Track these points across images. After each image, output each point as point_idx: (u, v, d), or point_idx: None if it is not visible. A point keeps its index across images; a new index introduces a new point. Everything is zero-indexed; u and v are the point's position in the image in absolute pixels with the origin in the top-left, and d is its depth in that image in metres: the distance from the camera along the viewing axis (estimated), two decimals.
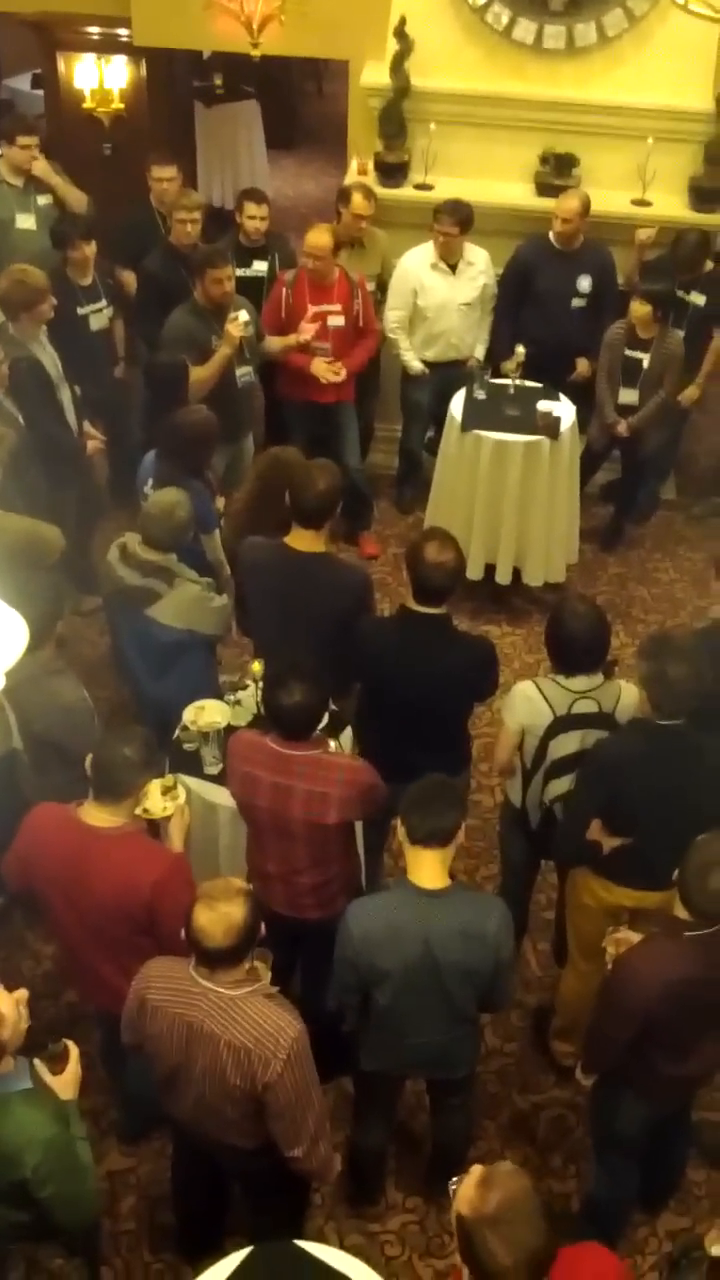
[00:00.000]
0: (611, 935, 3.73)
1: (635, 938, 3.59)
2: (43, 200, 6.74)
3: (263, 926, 3.10)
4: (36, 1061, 2.93)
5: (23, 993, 2.89)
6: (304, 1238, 3.37)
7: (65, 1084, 2.91)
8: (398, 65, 6.74)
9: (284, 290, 6.26)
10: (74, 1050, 2.97)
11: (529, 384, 6.43)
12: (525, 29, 6.75)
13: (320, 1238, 3.58)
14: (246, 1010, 3.03)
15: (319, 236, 6.11)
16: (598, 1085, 3.72)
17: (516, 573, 6.50)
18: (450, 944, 3.33)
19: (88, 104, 8.31)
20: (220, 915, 2.99)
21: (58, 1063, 2.93)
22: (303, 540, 4.37)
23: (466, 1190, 2.38)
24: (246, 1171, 3.44)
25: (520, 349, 6.36)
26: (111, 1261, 3.82)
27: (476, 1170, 2.40)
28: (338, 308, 6.26)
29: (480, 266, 6.66)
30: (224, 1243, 3.60)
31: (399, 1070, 3.76)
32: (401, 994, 3.41)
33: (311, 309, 6.21)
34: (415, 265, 6.60)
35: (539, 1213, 2.34)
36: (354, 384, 6.59)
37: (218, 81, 10.53)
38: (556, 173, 6.93)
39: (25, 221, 6.67)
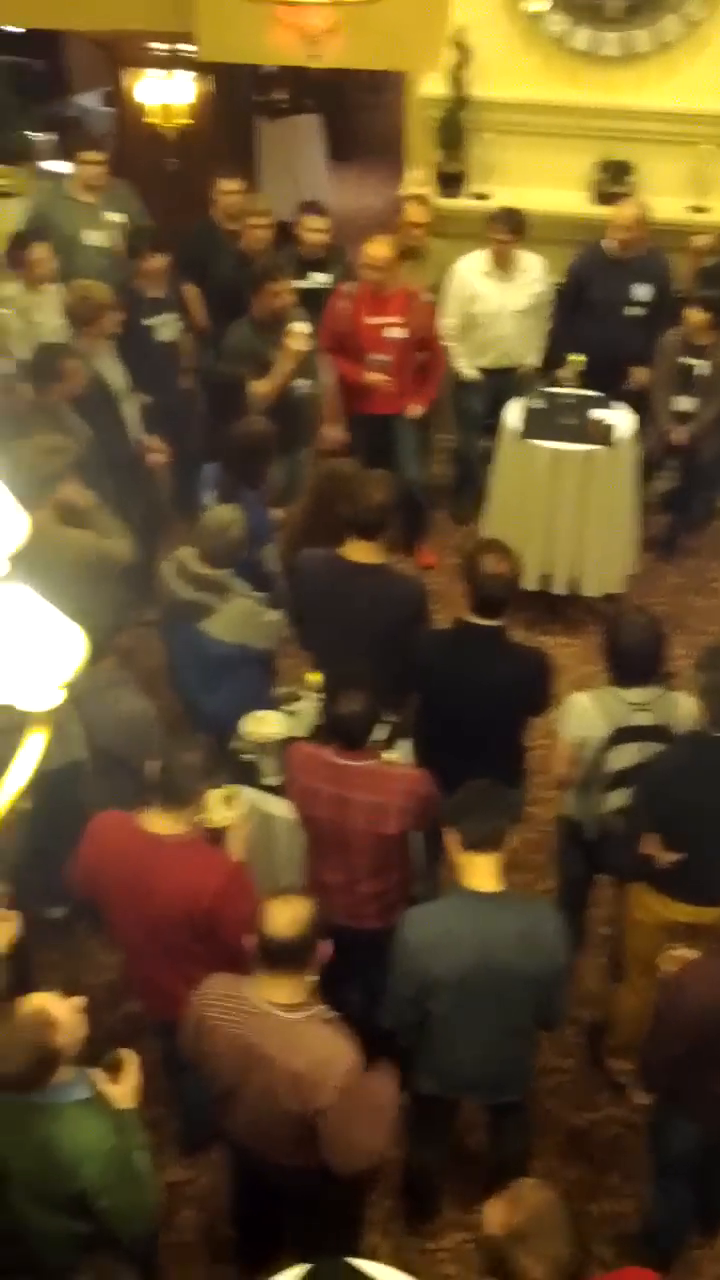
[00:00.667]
0: (668, 953, 3.69)
1: (691, 955, 3.55)
2: (113, 216, 6.80)
3: (329, 948, 3.09)
4: (95, 1071, 2.94)
5: (80, 1000, 2.91)
6: (359, 1255, 3.35)
7: (124, 1093, 2.92)
8: (455, 76, 6.77)
9: (342, 302, 6.28)
10: (132, 1060, 2.98)
11: (585, 392, 6.40)
12: (582, 37, 6.77)
13: (375, 1255, 3.56)
14: (305, 1035, 3.02)
15: (378, 248, 6.12)
16: (654, 1105, 3.68)
17: (573, 583, 6.47)
18: (508, 948, 3.31)
19: (153, 119, 8.43)
20: (289, 906, 3.03)
21: (115, 1072, 2.94)
22: (359, 552, 4.38)
23: (494, 1212, 2.42)
24: (300, 1190, 3.44)
25: (577, 357, 6.33)
26: (169, 1272, 3.83)
27: (500, 1197, 2.45)
28: (398, 320, 6.25)
29: (535, 274, 6.66)
30: (281, 1257, 3.60)
31: (454, 1093, 3.74)
32: (459, 1004, 3.39)
33: (369, 320, 6.21)
34: (469, 272, 6.61)
35: (568, 1223, 2.37)
36: (412, 394, 6.58)
37: (279, 96, 10.62)
38: (612, 180, 6.92)
39: (93, 238, 6.75)
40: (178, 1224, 4.02)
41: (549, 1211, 2.37)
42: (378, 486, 4.37)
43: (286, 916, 3.00)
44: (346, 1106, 3.03)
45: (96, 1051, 3.03)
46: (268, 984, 3.08)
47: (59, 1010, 2.81)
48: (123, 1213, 2.87)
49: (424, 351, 6.42)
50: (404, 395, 6.43)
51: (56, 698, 1.75)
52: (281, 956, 3.02)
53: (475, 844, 3.33)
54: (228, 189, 6.81)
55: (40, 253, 5.93)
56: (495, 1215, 2.41)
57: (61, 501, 4.63)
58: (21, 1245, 3.13)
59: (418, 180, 7.13)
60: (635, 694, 4.05)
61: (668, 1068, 3.44)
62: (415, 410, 6.46)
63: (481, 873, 3.35)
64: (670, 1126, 3.58)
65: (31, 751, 1.76)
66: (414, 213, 6.52)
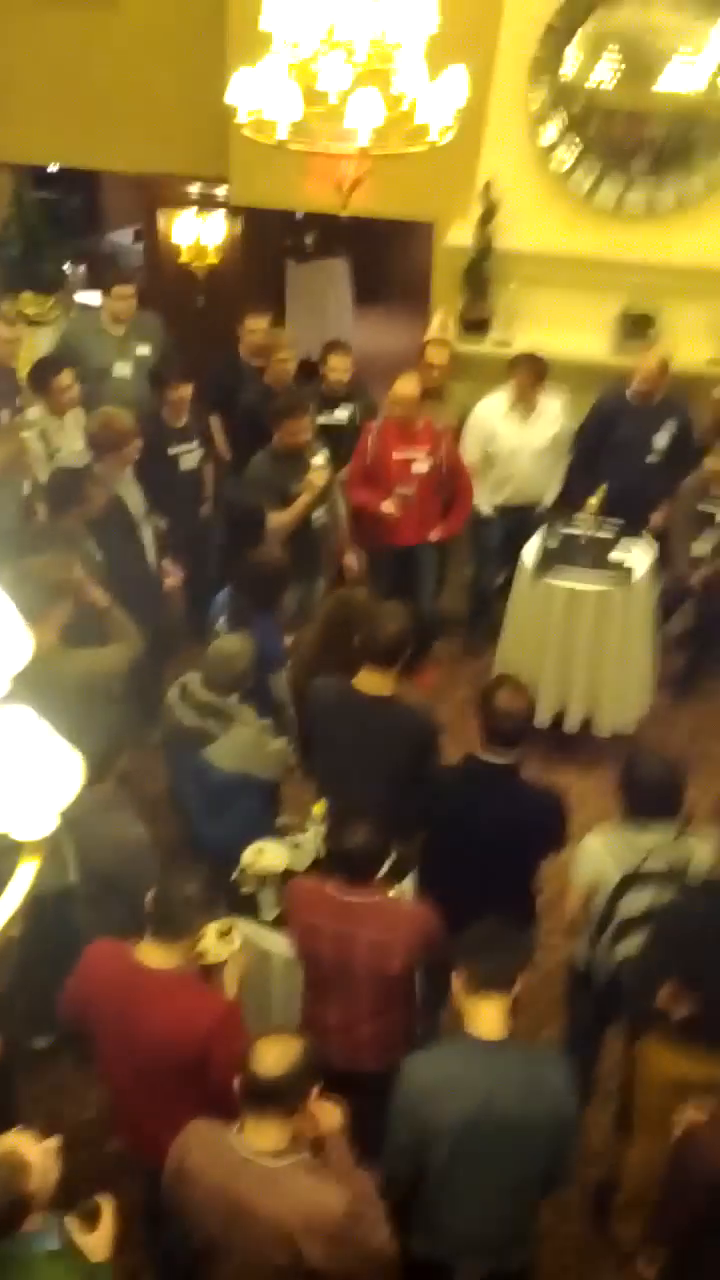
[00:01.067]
0: (679, 1110, 3.52)
1: (700, 1116, 3.40)
2: (140, 349, 6.97)
3: (315, 1089, 2.96)
4: (68, 1219, 2.79)
5: (54, 1141, 2.78)
6: None
7: (98, 1244, 2.77)
8: (481, 227, 6.97)
9: (369, 438, 6.39)
10: (108, 1208, 2.83)
11: (604, 531, 6.42)
12: (607, 194, 6.98)
13: None
14: (289, 1184, 2.88)
15: (406, 385, 6.30)
16: (664, 1267, 3.47)
17: (586, 721, 6.41)
18: (512, 1096, 3.17)
19: (184, 258, 8.70)
20: (277, 1044, 2.90)
21: (90, 1221, 2.79)
22: (371, 683, 4.36)
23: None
24: None
25: (599, 494, 6.38)
26: None
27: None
28: (423, 452, 6.40)
29: (553, 415, 6.80)
30: None
31: (451, 1256, 3.54)
32: (459, 1155, 3.23)
33: (396, 455, 6.35)
34: (489, 413, 6.75)
35: None
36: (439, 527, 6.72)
37: (309, 240, 10.98)
38: (634, 331, 7.06)
39: (122, 370, 6.92)
40: None
41: None
42: (393, 618, 4.38)
43: (274, 1054, 2.87)
44: (342, 1256, 2.88)
45: (74, 1194, 2.88)
46: (252, 1129, 2.93)
47: (32, 1153, 2.68)
48: None
49: (451, 483, 6.55)
50: (425, 526, 6.57)
51: (51, 825, 1.69)
52: (267, 1096, 2.88)
53: (484, 983, 3.20)
54: (254, 327, 7.03)
55: (66, 379, 6.06)
56: None
57: (78, 595, 4.62)
58: None
59: (441, 325, 7.31)
60: (649, 838, 3.97)
61: (681, 1228, 3.28)
62: (435, 535, 6.61)
63: (487, 1018, 3.22)
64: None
65: (23, 879, 1.70)
66: (434, 355, 6.71)
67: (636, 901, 3.95)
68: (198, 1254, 3.10)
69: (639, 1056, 4.00)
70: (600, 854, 3.99)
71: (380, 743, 4.29)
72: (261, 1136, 2.92)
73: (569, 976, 4.41)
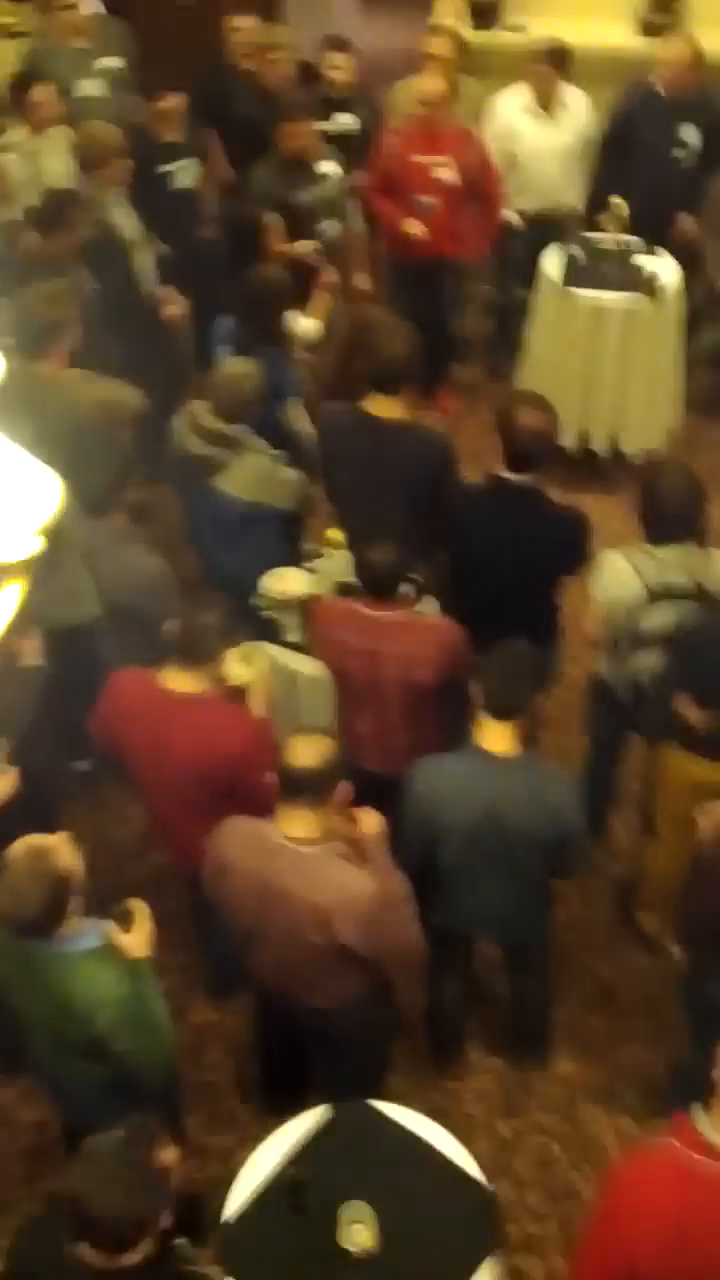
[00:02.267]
0: (704, 809, 3.64)
1: None
2: (107, 62, 6.42)
3: (349, 790, 3.10)
4: (107, 922, 2.95)
5: (65, 832, 2.95)
6: (383, 1096, 3.41)
7: (136, 943, 2.93)
8: None
9: (391, 139, 5.97)
10: (143, 910, 2.99)
11: (629, 240, 6.11)
12: None
13: (400, 1097, 3.62)
14: (323, 868, 3.04)
15: (432, 81, 5.83)
16: (690, 958, 3.67)
17: (614, 442, 6.28)
18: (515, 809, 3.32)
19: None
20: (311, 740, 3.07)
21: (126, 922, 2.95)
22: (382, 407, 4.25)
23: None
24: (326, 1032, 3.49)
25: (620, 203, 6.03)
26: (195, 1111, 3.92)
27: None
28: (448, 159, 5.95)
29: (579, 111, 6.32)
30: (306, 1098, 3.67)
31: (467, 928, 3.77)
32: (465, 854, 3.42)
33: (418, 159, 5.92)
34: (508, 109, 6.29)
35: None
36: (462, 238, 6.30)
37: None
38: (659, 9, 6.48)
39: (89, 88, 6.36)
40: (205, 1064, 4.11)
41: None
42: (396, 339, 4.22)
43: (309, 747, 3.03)
44: (374, 935, 3.05)
45: (119, 900, 3.04)
46: (286, 818, 3.08)
47: (48, 840, 2.83)
48: (140, 1057, 2.92)
49: (480, 196, 6.12)
50: (450, 240, 6.15)
51: (33, 546, 1.67)
52: (302, 786, 3.03)
53: (495, 711, 3.30)
54: (239, 24, 6.45)
55: (42, 95, 5.64)
56: None
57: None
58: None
59: (444, 12, 6.71)
60: (670, 553, 3.94)
61: (709, 921, 3.42)
62: (470, 255, 6.26)
63: (498, 736, 3.33)
64: (713, 973, 3.54)
65: (8, 600, 1.69)
66: (435, 45, 6.12)
67: (657, 617, 3.96)
68: (241, 943, 3.31)
69: (659, 761, 4.10)
70: (622, 569, 3.97)
71: (393, 467, 4.22)
72: (295, 825, 3.07)
73: (591, 689, 4.48)
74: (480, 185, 6.08)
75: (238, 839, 3.17)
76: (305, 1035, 3.63)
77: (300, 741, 3.06)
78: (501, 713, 3.30)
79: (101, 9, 6.57)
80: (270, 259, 5.20)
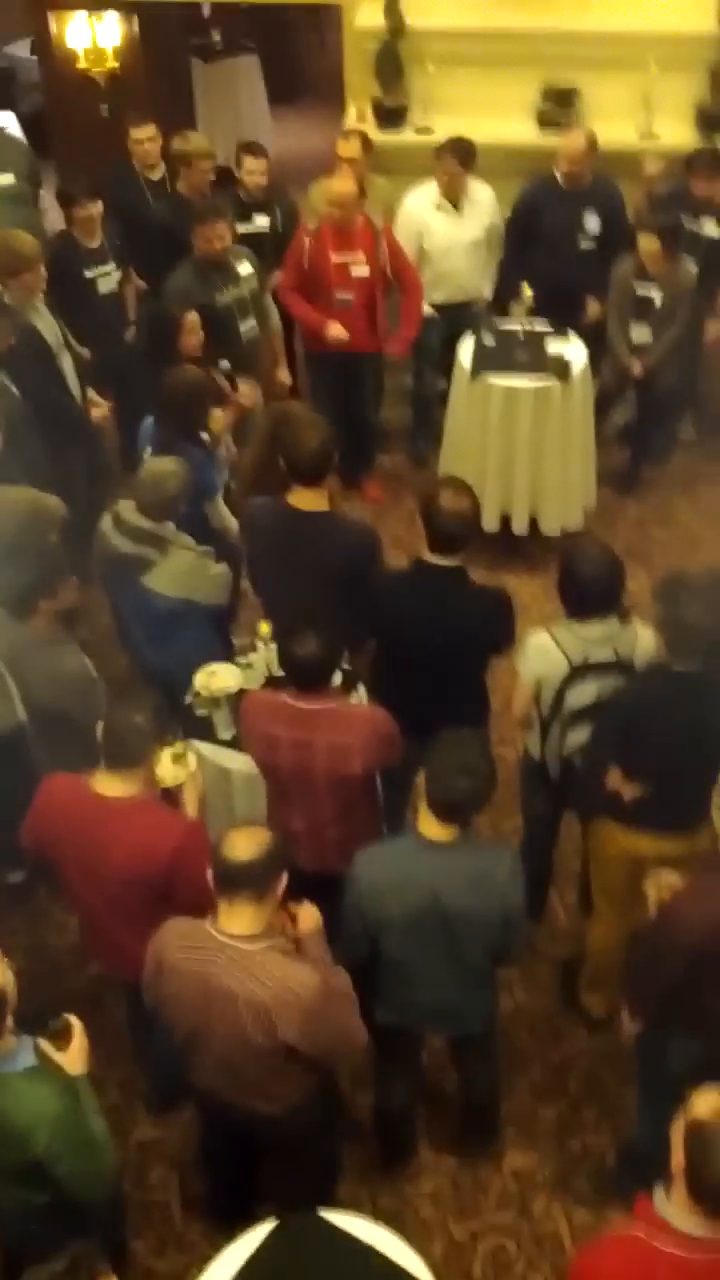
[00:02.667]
0: (652, 879, 3.64)
1: (675, 878, 3.52)
2: (2, 179, 6.54)
3: (285, 876, 3.06)
4: (40, 1039, 2.88)
5: None
6: (334, 1204, 3.33)
7: (72, 1059, 2.86)
8: (391, 5, 6.58)
9: (305, 240, 6.12)
10: (77, 1025, 2.92)
11: (538, 327, 6.28)
12: None
13: (352, 1201, 3.56)
14: (265, 966, 2.99)
15: (342, 184, 5.98)
16: (642, 1031, 3.64)
17: (533, 521, 6.39)
18: (458, 893, 3.30)
19: (82, 64, 8.18)
20: (248, 834, 3.01)
21: (61, 1039, 2.88)
22: (303, 499, 4.29)
23: (709, 1099, 2.48)
24: (273, 1139, 3.42)
25: (528, 290, 6.21)
26: (143, 1234, 3.81)
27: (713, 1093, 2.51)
28: (361, 256, 6.11)
29: (485, 204, 6.53)
30: (256, 1209, 3.59)
31: (413, 1025, 3.73)
32: (408, 944, 3.39)
33: (334, 257, 6.08)
34: (419, 206, 6.48)
35: None
36: (376, 332, 6.48)
37: (215, 37, 10.35)
38: (558, 108, 6.75)
39: (4, 179, 6.55)
40: (150, 1183, 4.00)
41: None
42: (312, 432, 4.26)
43: (246, 840, 2.98)
44: (318, 1031, 3.01)
45: (55, 1015, 2.97)
46: (225, 914, 3.03)
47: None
48: (80, 1179, 2.83)
49: (400, 287, 6.27)
50: (368, 335, 6.32)
51: None
52: (240, 881, 2.98)
53: (440, 811, 3.27)
54: (140, 136, 6.61)
55: None
56: (709, 1102, 2.48)
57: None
58: None
59: (354, 116, 6.95)
60: (593, 629, 3.99)
61: (663, 992, 3.41)
62: (394, 349, 6.40)
63: (438, 825, 3.30)
64: (666, 1047, 3.54)
65: None
66: (344, 148, 6.32)
67: (584, 693, 4.00)
68: (183, 1049, 3.24)
69: (593, 837, 4.12)
70: (546, 648, 4.02)
71: (319, 557, 4.25)
72: (235, 921, 3.02)
73: (524, 769, 4.50)
74: (399, 277, 6.24)
75: (177, 939, 3.12)
76: (252, 1142, 3.55)
77: (237, 835, 3.02)
78: (448, 813, 3.27)
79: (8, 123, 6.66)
80: (187, 360, 5.26)
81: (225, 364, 5.69)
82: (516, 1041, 4.33)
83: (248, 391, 5.58)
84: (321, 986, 3.00)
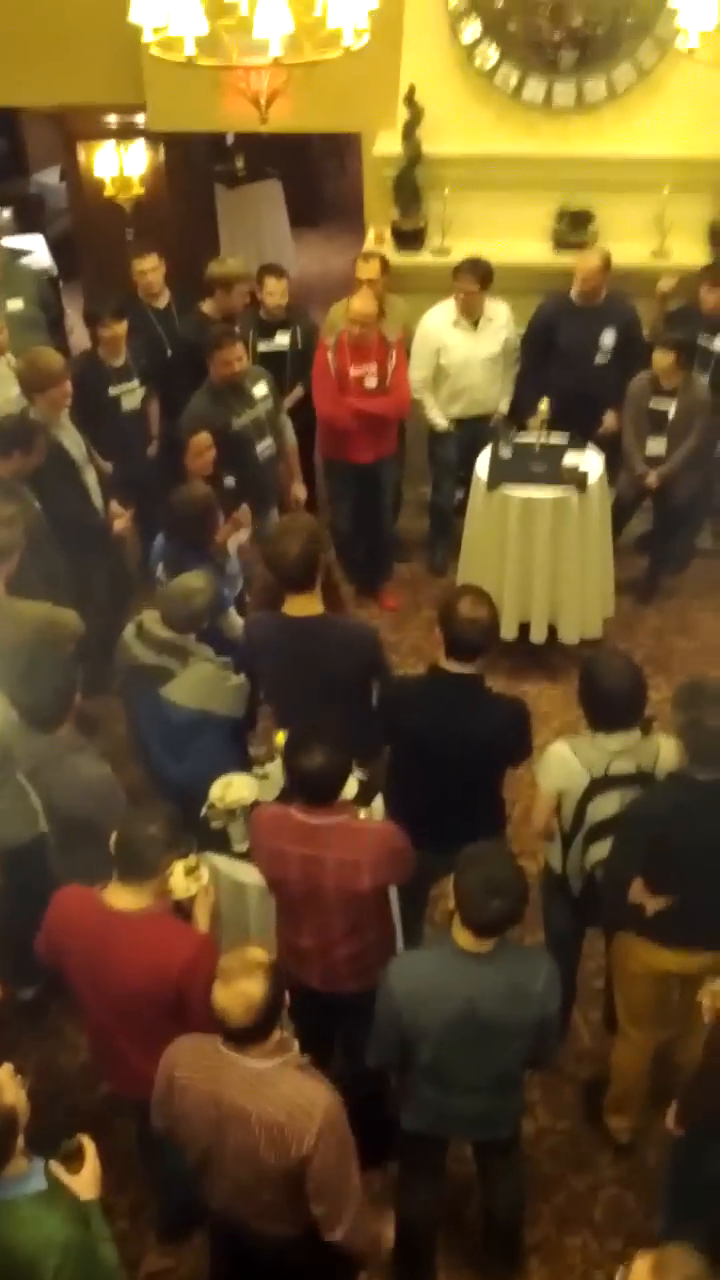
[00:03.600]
0: (708, 988, 3.53)
1: None
2: (11, 305, 6.69)
3: (286, 996, 2.99)
4: (52, 1162, 2.80)
5: (8, 1065, 2.80)
6: None
7: (84, 1183, 2.78)
8: (409, 133, 6.80)
9: (329, 355, 6.33)
10: (90, 1147, 2.84)
11: (555, 439, 6.37)
12: (534, 89, 6.80)
13: None
14: (277, 1083, 2.92)
15: (364, 303, 6.18)
16: (681, 1138, 3.54)
17: (552, 630, 6.40)
18: (495, 1003, 3.24)
19: (109, 191, 8.48)
20: (238, 993, 2.88)
21: (74, 1161, 2.80)
22: (297, 605, 4.31)
23: (640, 1274, 2.40)
24: (288, 1264, 3.29)
25: (544, 403, 6.32)
26: None
27: (649, 1256, 2.43)
28: (373, 368, 6.34)
29: (501, 321, 6.68)
30: None
31: (441, 1130, 3.64)
32: (443, 1052, 3.32)
33: (353, 371, 6.30)
34: (437, 324, 6.63)
35: None
36: (396, 438, 6.71)
37: (239, 163, 10.72)
38: (572, 229, 6.93)
39: (14, 305, 6.71)
40: None
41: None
42: (293, 539, 4.27)
43: (240, 1006, 2.88)
44: (331, 1150, 2.92)
45: (66, 1135, 2.89)
46: (235, 1046, 2.97)
47: (6, 1090, 2.68)
48: None
49: (389, 387, 6.43)
50: (382, 442, 6.55)
51: None
52: (243, 1037, 2.93)
53: (476, 928, 3.22)
54: (143, 268, 6.78)
55: None
56: (642, 1273, 2.40)
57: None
58: None
59: (373, 239, 7.16)
60: (615, 741, 3.95)
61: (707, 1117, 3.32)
62: (381, 409, 6.47)
63: (475, 940, 3.25)
64: (704, 1152, 3.44)
65: None
66: (363, 270, 6.53)
67: (606, 805, 3.95)
68: (195, 1168, 3.14)
69: (617, 953, 4.04)
70: (567, 760, 3.99)
71: (320, 662, 4.25)
72: (245, 1053, 2.96)
73: (546, 884, 4.43)
74: (393, 380, 6.42)
75: (187, 1057, 3.06)
76: (266, 1270, 3.42)
77: (229, 998, 2.88)
78: (484, 932, 3.22)
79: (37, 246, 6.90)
80: (195, 477, 5.40)
81: (230, 481, 5.77)
82: (540, 1167, 4.19)
83: (245, 512, 5.65)
84: (336, 1104, 2.92)
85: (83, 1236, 2.72)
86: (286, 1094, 2.91)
